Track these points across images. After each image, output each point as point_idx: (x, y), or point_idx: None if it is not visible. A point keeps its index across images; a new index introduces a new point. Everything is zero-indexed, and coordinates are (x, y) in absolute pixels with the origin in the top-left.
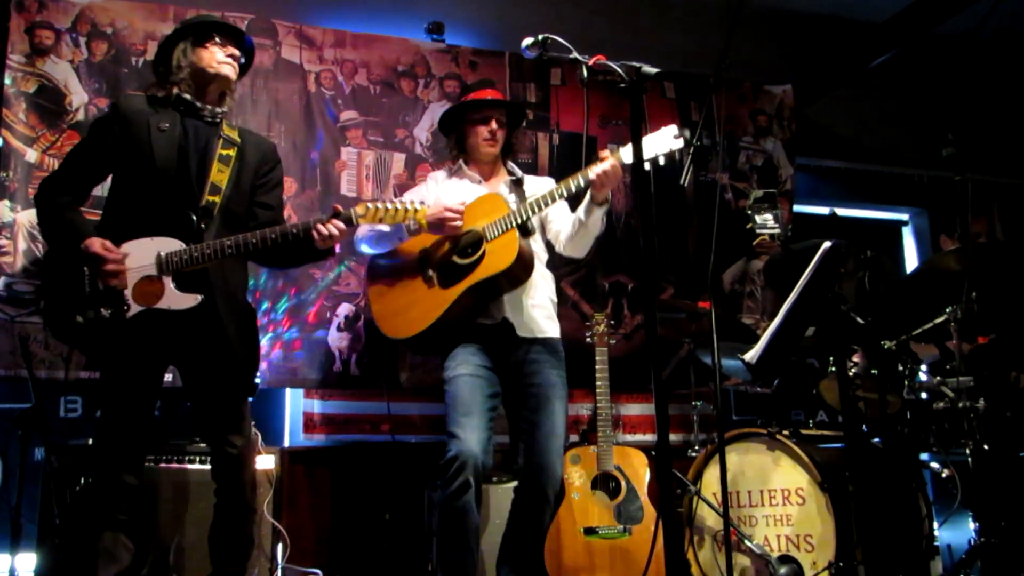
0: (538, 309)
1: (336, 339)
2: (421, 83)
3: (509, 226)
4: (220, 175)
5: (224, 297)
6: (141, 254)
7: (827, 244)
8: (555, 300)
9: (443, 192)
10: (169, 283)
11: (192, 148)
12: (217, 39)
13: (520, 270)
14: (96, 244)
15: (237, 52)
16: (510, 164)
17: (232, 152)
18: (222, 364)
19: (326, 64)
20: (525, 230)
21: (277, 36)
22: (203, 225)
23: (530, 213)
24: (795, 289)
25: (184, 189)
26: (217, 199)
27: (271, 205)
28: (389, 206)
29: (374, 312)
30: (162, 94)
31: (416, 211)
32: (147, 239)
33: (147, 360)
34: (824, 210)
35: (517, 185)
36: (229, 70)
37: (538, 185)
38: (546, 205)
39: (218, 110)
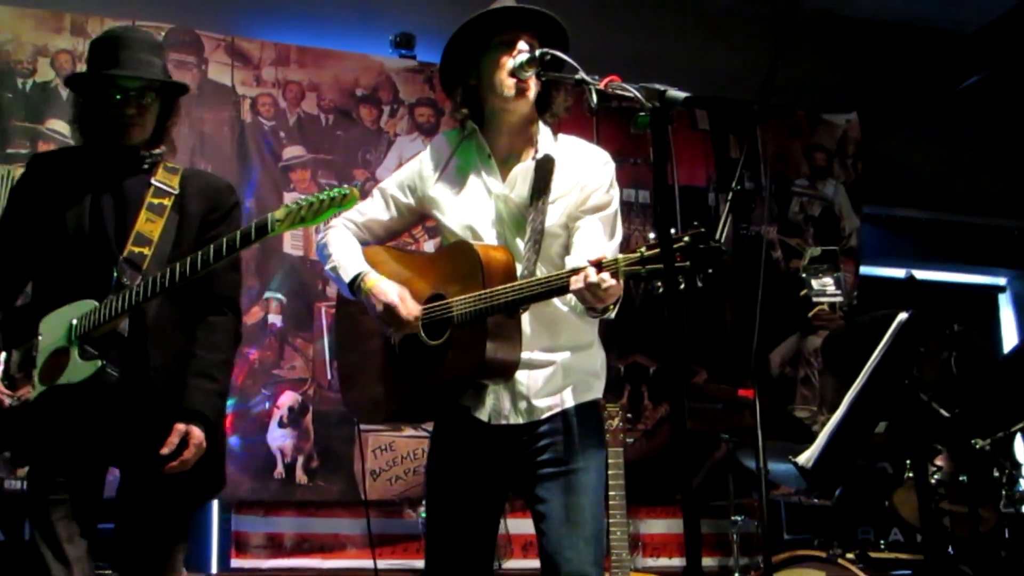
0: (543, 376)
1: (278, 437)
2: (386, 111)
3: (480, 316)
4: (150, 225)
5: (158, 369)
6: (57, 326)
7: (903, 316)
8: (583, 343)
9: (435, 195)
10: (74, 352)
11: (110, 201)
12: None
13: (491, 374)
14: None
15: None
16: (544, 130)
17: (167, 201)
18: (156, 468)
19: (265, 87)
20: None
21: (202, 51)
22: (127, 279)
23: (513, 299)
24: (862, 373)
25: (101, 244)
26: (146, 251)
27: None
28: (312, 200)
29: (338, 369)
30: (78, 142)
31: (343, 197)
32: (66, 307)
33: (81, 455)
34: (899, 272)
35: (542, 173)
36: (138, 130)
37: (574, 171)
38: (534, 300)
39: (150, 153)
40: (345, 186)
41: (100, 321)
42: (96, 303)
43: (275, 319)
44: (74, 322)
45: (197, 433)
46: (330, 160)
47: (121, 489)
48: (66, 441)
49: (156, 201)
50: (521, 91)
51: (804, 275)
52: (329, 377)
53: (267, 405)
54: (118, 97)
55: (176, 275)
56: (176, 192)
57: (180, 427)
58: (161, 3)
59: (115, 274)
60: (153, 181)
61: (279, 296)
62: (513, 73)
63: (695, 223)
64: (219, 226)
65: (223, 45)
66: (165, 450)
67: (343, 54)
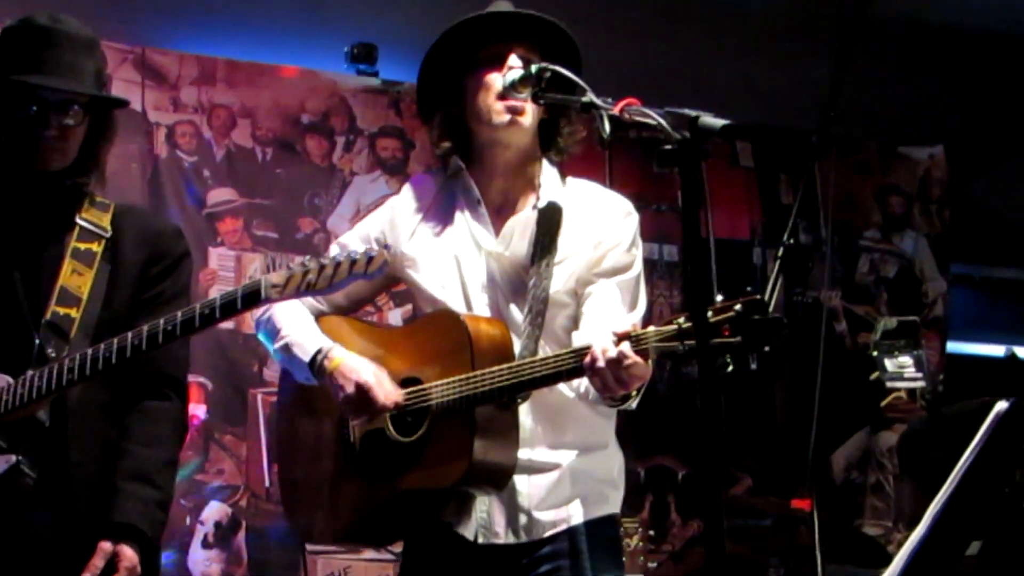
0: (545, 483)
1: (201, 561)
2: (340, 143)
3: (466, 405)
4: (77, 278)
5: (80, 465)
6: None
7: (1002, 405)
8: (595, 441)
9: (410, 252)
10: None
11: (21, 246)
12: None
13: (479, 481)
14: None
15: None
16: (549, 171)
17: (96, 247)
18: None
19: (184, 112)
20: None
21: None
22: (52, 350)
23: (510, 384)
24: (950, 479)
25: (12, 301)
26: (73, 312)
27: None
28: (325, 262)
29: (279, 476)
30: None
31: (369, 260)
32: None
33: None
34: (998, 350)
35: (546, 226)
36: (58, 156)
37: (586, 224)
38: (536, 385)
39: (74, 182)
40: (374, 247)
41: (14, 404)
42: (8, 379)
43: (198, 409)
44: None
45: (129, 554)
46: (268, 206)
47: None
48: None
49: (83, 247)
50: (515, 116)
51: (876, 353)
52: (267, 484)
53: (188, 520)
54: (34, 110)
55: (128, 349)
56: (108, 235)
57: (106, 546)
58: (53, 4)
59: (36, 343)
60: (78, 220)
61: (202, 380)
62: (503, 95)
63: (748, 288)
64: (163, 282)
65: (131, 57)
66: (86, 575)
67: (284, 69)
